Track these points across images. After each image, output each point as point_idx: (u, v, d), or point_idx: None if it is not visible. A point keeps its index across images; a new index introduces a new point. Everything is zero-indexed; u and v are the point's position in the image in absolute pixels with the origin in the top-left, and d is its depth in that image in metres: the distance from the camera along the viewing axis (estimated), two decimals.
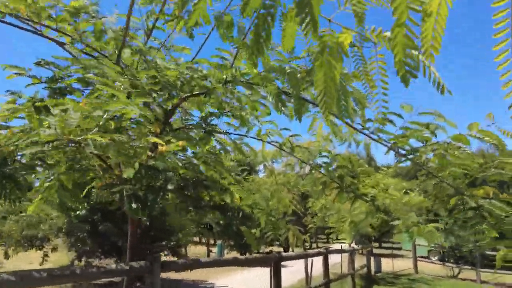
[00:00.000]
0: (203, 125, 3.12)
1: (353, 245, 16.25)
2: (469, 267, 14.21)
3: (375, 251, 25.54)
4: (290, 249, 20.05)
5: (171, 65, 2.75)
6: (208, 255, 21.32)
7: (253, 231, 7.60)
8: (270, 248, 22.85)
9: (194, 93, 2.87)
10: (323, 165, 4.66)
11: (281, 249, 25.91)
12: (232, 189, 6.01)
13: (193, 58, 3.78)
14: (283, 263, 6.18)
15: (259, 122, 4.48)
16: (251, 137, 4.54)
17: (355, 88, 3.31)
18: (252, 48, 1.34)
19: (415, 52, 1.09)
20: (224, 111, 4.00)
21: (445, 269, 15.43)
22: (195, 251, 27.02)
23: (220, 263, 4.30)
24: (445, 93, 1.40)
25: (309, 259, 9.63)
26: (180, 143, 2.33)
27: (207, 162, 3.08)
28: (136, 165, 2.18)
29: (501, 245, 3.47)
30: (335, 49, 1.36)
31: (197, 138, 3.25)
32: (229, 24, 2.89)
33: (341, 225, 7.68)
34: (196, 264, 3.96)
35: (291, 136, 4.52)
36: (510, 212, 2.89)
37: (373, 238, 24.55)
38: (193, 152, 3.28)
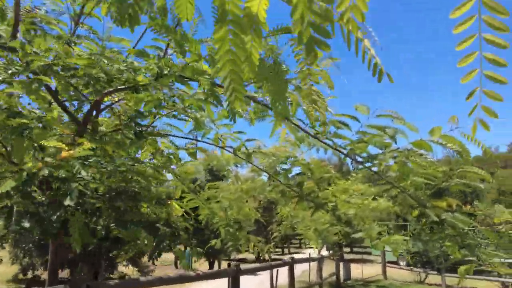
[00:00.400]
0: (134, 126, 2.67)
1: (324, 251, 16.06)
2: (435, 272, 14.36)
3: (346, 256, 25.62)
4: (261, 257, 19.65)
5: (91, 54, 2.29)
6: (176, 264, 20.51)
7: (213, 242, 7.14)
8: (233, 256, 22.41)
9: (119, 87, 2.42)
10: (281, 172, 4.31)
11: (253, 256, 25.44)
12: (187, 197, 5.50)
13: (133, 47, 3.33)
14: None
15: (216, 125, 4.09)
16: (203, 141, 4.13)
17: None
18: (119, 13, 0.94)
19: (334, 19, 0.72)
20: (170, 111, 3.57)
21: (413, 275, 15.54)
22: (166, 257, 26.09)
23: (165, 281, 3.83)
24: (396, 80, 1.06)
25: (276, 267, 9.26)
26: (88, 145, 1.88)
27: (133, 170, 2.62)
28: (23, 174, 1.71)
29: (468, 257, 3.21)
30: (245, 18, 0.97)
31: (129, 142, 2.80)
32: (162, 10, 2.47)
33: (308, 232, 7.40)
34: (133, 284, 3.47)
35: (247, 140, 4.14)
36: (472, 225, 2.62)
37: (343, 243, 24.59)
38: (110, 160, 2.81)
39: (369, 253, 27.33)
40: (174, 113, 3.59)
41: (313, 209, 4.19)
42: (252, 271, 5.81)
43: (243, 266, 5.77)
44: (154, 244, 2.38)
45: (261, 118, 3.70)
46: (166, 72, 2.17)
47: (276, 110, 1.58)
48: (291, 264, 8.18)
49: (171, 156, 4.32)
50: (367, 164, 2.74)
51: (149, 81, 2.32)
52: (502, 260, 12.19)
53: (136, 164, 2.62)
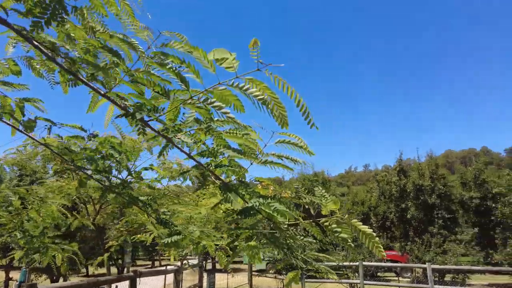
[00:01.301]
0: None
1: (195, 261, 14.95)
2: None
3: (219, 266, 25.06)
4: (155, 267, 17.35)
5: None
6: (7, 284, 16.42)
7: (17, 253, 5.41)
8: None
9: None
10: (86, 156, 3.13)
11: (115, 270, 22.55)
12: None
13: None
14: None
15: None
16: None
17: None
18: None
19: None
20: None
21: (277, 281, 15.80)
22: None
23: None
24: None
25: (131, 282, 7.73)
26: None
27: None
28: None
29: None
30: None
31: None
32: None
33: (149, 238, 6.27)
34: None
35: (26, 100, 2.82)
36: (295, 220, 1.97)
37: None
38: None
39: (241, 262, 27.47)
40: None
41: (125, 204, 3.13)
42: None
43: (49, 285, 4.26)
44: None
45: (72, 81, 2.51)
46: None
47: None
48: (132, 278, 6.84)
49: None
50: (164, 131, 1.83)
51: None
52: (347, 263, 13.20)
53: None
